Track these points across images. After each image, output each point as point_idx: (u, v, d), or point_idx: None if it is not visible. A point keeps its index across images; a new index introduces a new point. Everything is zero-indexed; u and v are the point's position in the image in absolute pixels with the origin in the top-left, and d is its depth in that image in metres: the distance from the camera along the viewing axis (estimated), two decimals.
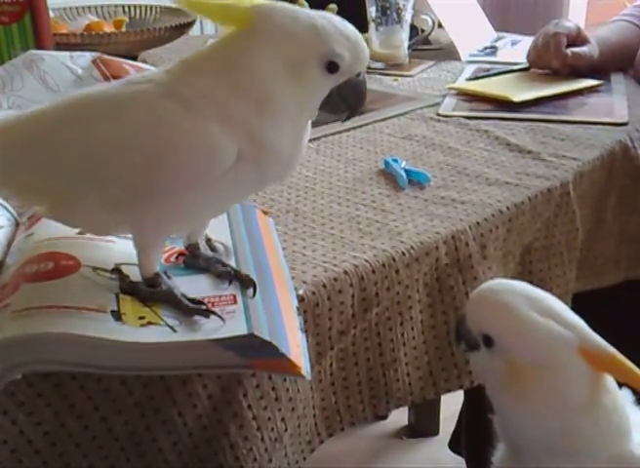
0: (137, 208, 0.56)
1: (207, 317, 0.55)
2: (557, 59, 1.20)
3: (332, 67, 0.56)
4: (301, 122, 0.58)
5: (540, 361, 0.56)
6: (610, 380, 0.58)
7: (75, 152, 0.55)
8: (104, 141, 0.54)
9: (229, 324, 0.55)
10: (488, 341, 0.58)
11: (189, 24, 1.33)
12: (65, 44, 1.17)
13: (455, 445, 1.34)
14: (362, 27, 1.33)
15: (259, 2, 0.56)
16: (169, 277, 0.58)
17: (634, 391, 0.60)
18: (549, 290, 0.84)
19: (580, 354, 0.56)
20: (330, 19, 0.56)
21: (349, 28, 0.57)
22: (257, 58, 0.54)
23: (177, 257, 0.64)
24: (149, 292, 0.57)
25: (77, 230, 0.64)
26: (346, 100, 0.59)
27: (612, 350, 0.56)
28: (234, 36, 0.56)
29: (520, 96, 1.11)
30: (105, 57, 1.01)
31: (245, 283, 0.60)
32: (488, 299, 0.59)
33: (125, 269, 0.59)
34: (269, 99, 0.55)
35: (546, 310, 0.57)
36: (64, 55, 1.00)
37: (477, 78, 1.24)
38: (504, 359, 0.57)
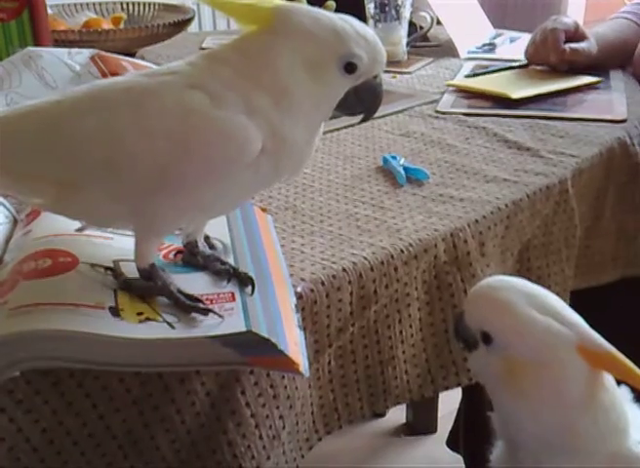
0: (150, 198, 0.55)
1: (205, 314, 0.55)
2: (555, 55, 1.19)
3: (350, 68, 0.57)
4: (316, 121, 0.59)
5: (538, 358, 0.56)
6: (608, 378, 0.58)
7: (95, 139, 0.55)
8: (127, 129, 0.54)
9: (228, 321, 0.55)
10: (486, 339, 0.58)
11: (188, 21, 1.33)
12: (64, 41, 1.17)
13: (452, 442, 1.34)
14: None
15: (280, 2, 0.57)
16: (164, 271, 0.58)
17: (632, 389, 0.60)
18: (548, 287, 0.84)
19: (579, 352, 0.56)
20: (349, 21, 0.57)
21: (368, 31, 0.58)
22: (277, 54, 0.56)
23: (175, 255, 0.63)
24: (145, 287, 0.57)
25: (75, 227, 0.64)
26: (363, 102, 0.60)
27: (610, 348, 0.56)
28: (256, 34, 0.57)
29: (518, 93, 1.11)
30: (103, 53, 1.01)
31: (243, 280, 0.59)
32: (486, 296, 0.59)
33: (122, 266, 0.59)
34: (288, 95, 0.56)
35: (545, 307, 0.57)
36: (62, 51, 1.00)
37: (475, 75, 1.24)
38: (503, 356, 0.57)
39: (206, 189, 0.55)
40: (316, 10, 0.58)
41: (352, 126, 1.03)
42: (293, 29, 0.56)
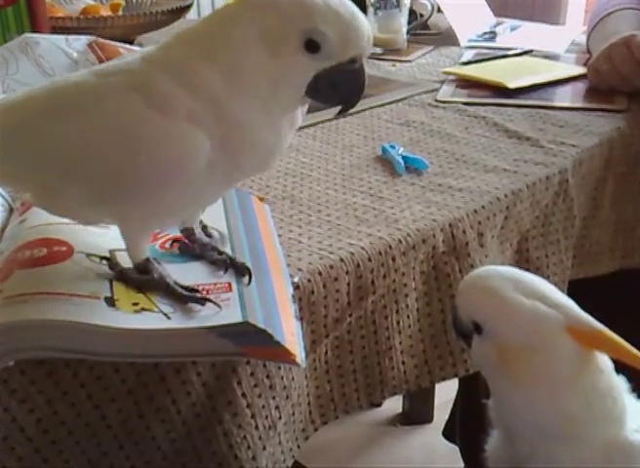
0: (117, 203, 0.55)
1: (202, 305, 0.54)
2: None
3: (312, 46, 0.51)
4: (279, 104, 0.53)
5: (528, 342, 0.55)
6: (604, 362, 0.58)
7: (53, 146, 0.54)
8: (79, 138, 0.53)
9: (224, 311, 0.54)
10: (477, 328, 0.58)
11: (186, 8, 1.32)
12: (61, 28, 1.16)
13: (449, 432, 1.34)
14: (361, 11, 1.34)
15: None
16: (159, 263, 0.58)
17: (628, 379, 0.60)
18: (546, 277, 0.84)
19: (569, 333, 0.55)
20: None
21: (347, 6, 0.52)
22: (234, 26, 0.51)
23: (171, 244, 0.63)
24: (141, 280, 0.56)
25: None
26: (337, 89, 0.53)
27: (600, 327, 0.56)
28: (225, 6, 0.53)
29: (515, 82, 1.10)
30: (101, 40, 1.00)
31: (240, 270, 0.59)
32: (474, 286, 0.59)
33: (118, 256, 0.58)
34: (239, 72, 0.51)
35: (532, 291, 0.57)
36: (60, 38, 0.99)
37: (470, 63, 1.23)
38: (494, 343, 0.57)
39: (163, 194, 0.53)
40: None
41: (351, 114, 1.02)
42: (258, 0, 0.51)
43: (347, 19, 0.51)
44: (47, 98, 0.56)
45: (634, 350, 0.55)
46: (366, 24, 0.52)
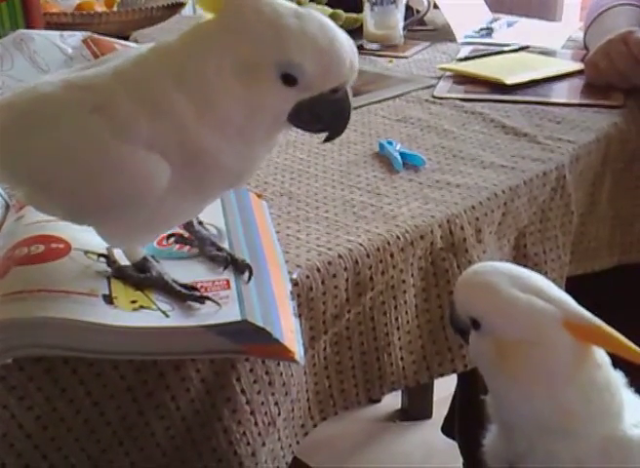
0: (90, 220, 0.55)
1: (202, 303, 0.54)
2: None
3: (289, 80, 0.48)
4: (255, 133, 0.50)
5: (525, 337, 0.56)
6: (601, 357, 0.58)
7: (22, 162, 0.54)
8: (42, 158, 0.53)
9: (223, 310, 0.54)
10: (475, 324, 0.58)
11: (181, 4, 1.31)
12: (56, 23, 1.16)
13: (447, 428, 1.34)
14: (357, 8, 1.34)
15: None
16: (157, 261, 0.58)
17: (625, 374, 0.60)
18: (544, 274, 0.84)
19: (565, 327, 0.55)
20: (306, 21, 0.47)
21: (326, 31, 0.48)
22: (208, 51, 0.48)
23: (168, 239, 0.63)
24: (139, 278, 0.56)
25: None
26: (320, 118, 0.51)
27: (597, 321, 0.56)
28: (203, 23, 0.50)
29: (512, 78, 1.10)
30: (96, 36, 0.99)
31: (240, 268, 0.59)
32: (470, 282, 0.60)
33: (116, 252, 0.58)
34: (210, 99, 0.48)
35: (529, 287, 0.57)
36: (55, 34, 0.99)
37: (467, 59, 1.23)
38: (491, 339, 0.57)
39: (129, 215, 0.52)
40: (272, 1, 0.48)
41: None
42: (234, 22, 0.48)
43: (325, 48, 0.48)
44: (17, 111, 0.54)
45: (631, 344, 0.55)
46: (348, 50, 0.49)
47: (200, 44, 0.49)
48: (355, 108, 1.03)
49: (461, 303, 0.60)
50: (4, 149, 0.55)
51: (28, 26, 1.06)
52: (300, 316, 0.62)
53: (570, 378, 0.56)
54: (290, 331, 0.55)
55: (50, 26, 1.12)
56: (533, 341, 0.55)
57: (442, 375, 0.77)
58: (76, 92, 0.52)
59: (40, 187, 0.54)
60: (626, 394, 0.61)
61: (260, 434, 0.61)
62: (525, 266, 0.84)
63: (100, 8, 1.30)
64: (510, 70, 1.14)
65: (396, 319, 0.72)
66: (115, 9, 1.32)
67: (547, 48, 1.30)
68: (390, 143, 0.89)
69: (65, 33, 0.99)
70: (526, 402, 0.57)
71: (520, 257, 0.85)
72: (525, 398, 0.57)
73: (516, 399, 0.58)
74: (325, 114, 0.51)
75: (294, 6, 0.49)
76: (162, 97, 0.49)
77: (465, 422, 1.24)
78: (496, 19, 1.50)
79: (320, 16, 0.49)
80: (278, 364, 0.61)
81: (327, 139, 0.54)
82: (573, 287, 0.75)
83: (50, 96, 0.53)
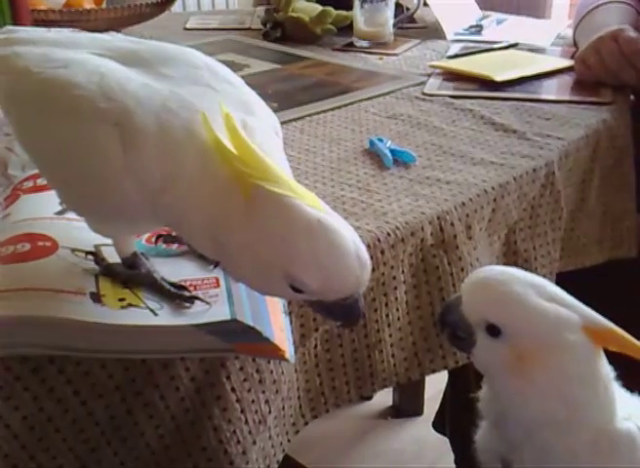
0: (80, 212, 0.56)
1: (191, 303, 0.54)
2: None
3: (295, 289, 0.49)
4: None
5: (549, 343, 0.57)
6: (602, 354, 0.60)
7: (27, 138, 0.56)
8: (48, 148, 0.53)
9: (212, 308, 0.54)
10: (493, 330, 0.58)
11: (171, 1, 1.31)
12: (44, 20, 1.15)
13: (438, 424, 1.35)
14: (347, 5, 1.34)
15: (267, 177, 0.48)
16: (147, 259, 0.57)
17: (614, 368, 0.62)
18: (534, 270, 0.85)
19: (585, 332, 0.58)
20: (315, 239, 0.47)
21: (335, 254, 0.48)
22: (234, 239, 0.49)
23: (156, 239, 0.62)
24: (128, 275, 0.56)
25: (55, 210, 0.62)
26: (334, 317, 0.54)
27: (611, 325, 0.58)
28: (233, 198, 0.48)
29: (502, 75, 1.10)
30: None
31: None
32: (493, 289, 0.59)
33: (104, 250, 0.58)
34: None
35: (549, 295, 0.59)
36: (43, 31, 0.97)
37: (457, 56, 1.23)
38: (512, 345, 0.58)
39: (113, 218, 0.53)
40: (290, 210, 0.48)
41: (339, 108, 1.02)
42: (256, 220, 0.48)
43: (330, 268, 0.48)
44: (38, 85, 0.54)
45: None
46: (355, 267, 0.48)
47: (227, 228, 0.49)
48: (345, 105, 1.03)
49: (477, 309, 0.60)
50: (12, 115, 0.56)
51: (16, 23, 1.05)
52: (290, 314, 0.62)
53: (582, 377, 0.58)
54: (280, 330, 0.55)
55: (38, 23, 1.11)
56: (556, 346, 0.57)
57: (433, 372, 0.77)
58: (103, 101, 0.50)
59: (39, 167, 0.56)
60: (616, 388, 0.62)
61: (250, 432, 0.60)
62: (515, 262, 0.84)
63: (88, 5, 1.29)
64: (500, 67, 1.14)
65: (387, 316, 0.72)
66: (104, 6, 1.31)
67: (537, 45, 1.30)
68: (381, 140, 0.88)
69: (53, 30, 0.98)
70: (538, 400, 0.58)
71: (510, 254, 0.85)
72: (539, 397, 0.58)
73: (528, 398, 0.59)
74: (335, 314, 0.52)
75: (312, 216, 0.48)
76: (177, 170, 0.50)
77: (456, 418, 1.24)
78: (485, 17, 1.50)
79: (333, 230, 0.48)
80: (268, 362, 0.61)
81: (341, 326, 0.60)
82: (563, 282, 0.75)
83: (78, 89, 0.51)
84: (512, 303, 0.58)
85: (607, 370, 0.60)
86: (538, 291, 0.58)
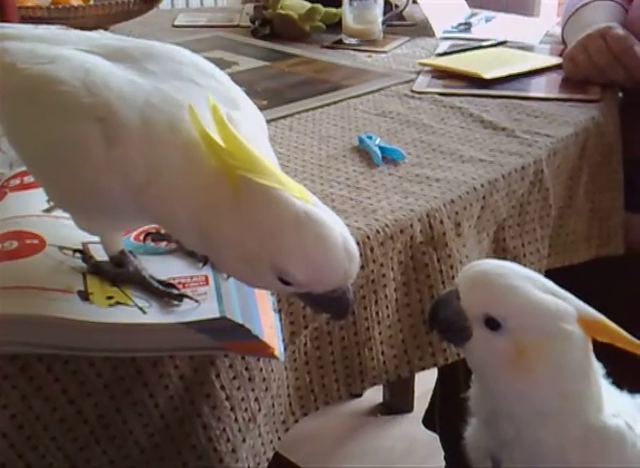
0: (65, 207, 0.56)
1: (180, 301, 0.54)
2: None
3: (284, 281, 0.49)
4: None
5: (548, 334, 0.58)
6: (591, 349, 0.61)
7: (13, 134, 0.56)
8: (32, 144, 0.54)
9: (201, 306, 0.54)
10: (492, 324, 0.58)
11: None
12: (31, 17, 1.14)
13: (429, 421, 1.35)
14: (336, 2, 1.34)
15: (255, 169, 0.48)
16: (135, 257, 0.57)
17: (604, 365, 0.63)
18: (523, 266, 0.85)
19: (579, 323, 0.59)
20: (303, 231, 0.47)
21: (323, 247, 0.48)
22: (221, 227, 0.48)
23: (145, 237, 0.62)
24: (115, 273, 0.55)
25: (43, 208, 0.62)
26: (323, 310, 0.54)
27: (602, 317, 0.60)
28: (220, 187, 0.48)
29: (490, 73, 1.10)
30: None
31: None
32: (493, 282, 0.60)
33: (92, 248, 0.57)
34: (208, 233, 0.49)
35: (547, 287, 0.60)
36: (30, 28, 0.97)
37: (446, 54, 1.23)
38: (512, 338, 0.58)
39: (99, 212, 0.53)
40: (283, 197, 0.47)
41: (328, 105, 1.01)
42: (243, 212, 0.47)
43: (317, 261, 0.48)
44: (25, 82, 0.54)
45: (632, 337, 0.59)
46: (343, 260, 0.48)
47: (215, 219, 0.49)
48: (334, 102, 1.03)
49: (475, 303, 0.60)
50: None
51: (3, 20, 1.05)
52: (279, 311, 0.62)
53: (577, 368, 0.59)
54: (269, 327, 0.55)
55: (25, 20, 1.10)
56: (554, 337, 0.58)
57: (423, 369, 0.77)
58: (87, 96, 0.50)
59: (25, 163, 0.57)
60: (605, 384, 0.63)
61: (240, 430, 0.60)
62: (504, 260, 0.84)
63: (76, 2, 1.28)
64: (489, 65, 1.14)
65: (377, 313, 0.72)
66: (92, 2, 1.31)
67: (525, 43, 1.31)
68: (370, 138, 0.88)
69: (41, 27, 0.97)
70: (533, 392, 0.59)
71: (499, 251, 0.85)
72: (533, 389, 0.59)
73: (522, 391, 0.59)
74: (323, 306, 0.52)
75: (299, 208, 0.48)
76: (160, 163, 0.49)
77: (446, 415, 1.25)
78: (474, 15, 1.50)
79: (320, 222, 0.48)
80: (258, 359, 0.61)
81: (330, 319, 0.60)
82: (552, 279, 0.76)
83: (63, 85, 0.51)
84: (514, 296, 0.59)
85: (596, 363, 0.61)
86: (534, 283, 0.59)
